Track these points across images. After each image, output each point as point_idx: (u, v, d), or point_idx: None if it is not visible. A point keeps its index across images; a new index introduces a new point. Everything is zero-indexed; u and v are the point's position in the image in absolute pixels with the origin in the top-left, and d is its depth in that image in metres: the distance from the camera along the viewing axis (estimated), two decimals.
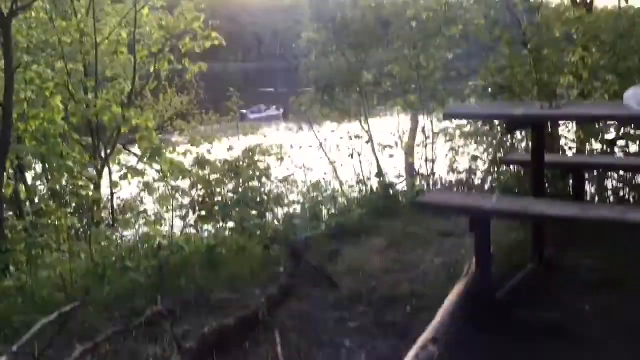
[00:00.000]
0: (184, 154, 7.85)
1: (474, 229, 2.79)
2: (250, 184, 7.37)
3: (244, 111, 33.81)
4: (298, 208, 7.93)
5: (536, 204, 2.71)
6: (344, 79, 6.66)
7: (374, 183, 6.86)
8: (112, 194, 8.63)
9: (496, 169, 5.32)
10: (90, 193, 6.77)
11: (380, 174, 6.30)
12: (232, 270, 3.54)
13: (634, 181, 4.41)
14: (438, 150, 6.66)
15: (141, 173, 7.47)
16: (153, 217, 6.60)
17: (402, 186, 7.07)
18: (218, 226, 6.92)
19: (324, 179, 7.87)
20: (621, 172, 4.32)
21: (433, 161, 6.52)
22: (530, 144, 3.58)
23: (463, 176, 5.57)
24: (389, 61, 6.64)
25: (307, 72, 7.48)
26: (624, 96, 2.87)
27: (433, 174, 6.11)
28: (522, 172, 4.43)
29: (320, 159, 8.01)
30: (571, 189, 3.92)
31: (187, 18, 9.29)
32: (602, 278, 3.15)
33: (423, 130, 6.68)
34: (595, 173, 4.21)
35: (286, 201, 8.09)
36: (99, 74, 8.68)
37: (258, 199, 6.79)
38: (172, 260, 3.53)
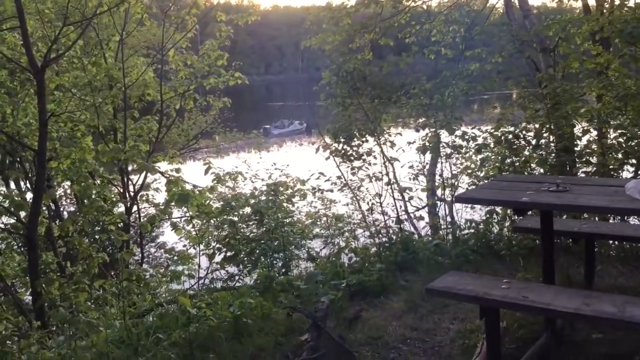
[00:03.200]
0: (211, 189, 8.11)
1: (483, 316, 2.95)
2: (275, 222, 7.63)
3: (267, 126, 34.24)
4: (321, 248, 8.17)
5: (543, 294, 2.85)
6: (362, 130, 6.86)
7: (394, 224, 7.06)
8: (140, 234, 8.97)
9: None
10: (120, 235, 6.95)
11: (399, 221, 6.47)
12: (257, 341, 3.73)
13: None
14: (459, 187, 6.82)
15: (167, 212, 7.70)
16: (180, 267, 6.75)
17: (423, 230, 7.23)
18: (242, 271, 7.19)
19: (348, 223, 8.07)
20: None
21: (453, 201, 6.67)
22: None
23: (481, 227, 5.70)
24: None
25: (325, 125, 7.69)
26: (625, 186, 3.02)
27: (453, 221, 6.25)
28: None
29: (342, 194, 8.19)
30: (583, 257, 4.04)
31: (210, 57, 9.60)
32: (613, 352, 3.28)
33: (441, 175, 6.82)
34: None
35: (310, 236, 8.33)
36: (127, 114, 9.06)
37: (281, 242, 7.02)
38: (200, 333, 3.74)
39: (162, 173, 7.67)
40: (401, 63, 8.29)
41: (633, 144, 5.43)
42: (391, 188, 7.17)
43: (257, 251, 6.95)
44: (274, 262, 6.83)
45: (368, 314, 4.21)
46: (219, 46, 9.60)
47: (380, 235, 6.33)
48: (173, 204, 7.44)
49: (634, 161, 5.47)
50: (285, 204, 7.99)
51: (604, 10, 7.00)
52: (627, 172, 5.56)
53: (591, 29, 6.67)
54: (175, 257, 8.00)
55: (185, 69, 9.42)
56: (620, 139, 5.60)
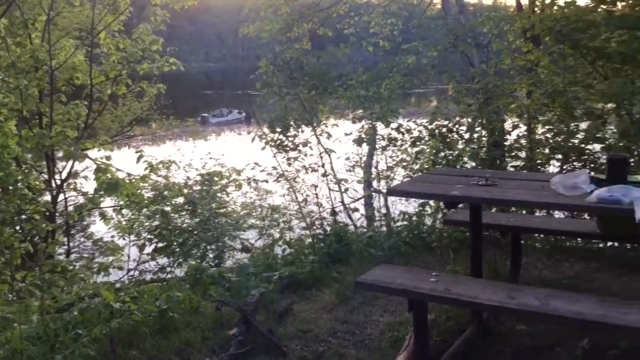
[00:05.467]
0: (142, 178, 7.85)
1: (412, 309, 2.95)
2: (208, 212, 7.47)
3: (205, 115, 33.58)
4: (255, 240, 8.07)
5: (470, 288, 2.88)
6: (299, 120, 6.81)
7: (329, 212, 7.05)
8: (67, 224, 8.59)
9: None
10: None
11: (334, 212, 6.46)
12: (183, 336, 3.62)
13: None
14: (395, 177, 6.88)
15: (97, 201, 7.39)
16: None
17: (359, 221, 7.25)
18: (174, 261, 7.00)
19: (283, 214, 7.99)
20: None
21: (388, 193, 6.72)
22: None
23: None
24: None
25: (261, 114, 7.60)
26: (550, 181, 3.08)
27: (388, 213, 6.29)
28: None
29: (279, 185, 8.11)
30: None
31: (144, 41, 9.28)
32: (536, 344, 3.36)
33: (377, 167, 6.86)
34: None
35: (245, 227, 8.20)
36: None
37: (214, 233, 6.88)
38: (123, 328, 3.59)
39: (92, 160, 7.36)
40: (339, 54, 8.27)
41: (559, 139, 5.58)
42: (327, 179, 7.16)
43: (190, 242, 6.79)
44: (207, 253, 6.70)
45: (299, 307, 4.17)
46: (153, 30, 9.31)
47: (315, 227, 6.30)
48: (102, 192, 7.15)
49: (559, 156, 5.63)
50: (219, 194, 7.85)
51: (536, 9, 7.18)
52: (553, 167, 5.72)
53: (523, 26, 6.82)
54: (103, 248, 7.72)
55: (117, 52, 9.07)
56: (548, 135, 5.77)
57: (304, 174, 7.28)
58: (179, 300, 3.95)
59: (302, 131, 7.21)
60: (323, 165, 7.13)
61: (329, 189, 7.19)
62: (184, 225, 7.29)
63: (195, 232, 6.94)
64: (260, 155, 7.74)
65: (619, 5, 5.22)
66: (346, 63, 8.39)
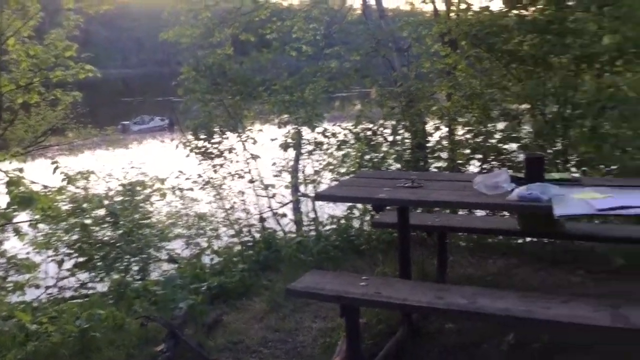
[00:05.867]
0: (59, 191, 7.47)
1: (344, 315, 2.94)
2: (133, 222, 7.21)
3: (126, 122, 32.52)
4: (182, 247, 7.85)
5: (400, 290, 2.90)
6: (223, 127, 6.70)
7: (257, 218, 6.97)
8: None
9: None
10: None
11: (262, 218, 6.39)
12: (106, 355, 3.46)
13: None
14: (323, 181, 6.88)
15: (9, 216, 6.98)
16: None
17: (287, 226, 7.20)
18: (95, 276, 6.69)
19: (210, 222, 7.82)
20: None
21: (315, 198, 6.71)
22: None
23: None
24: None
25: (184, 121, 7.43)
26: (473, 181, 3.16)
27: (316, 217, 6.28)
28: None
29: (205, 193, 7.94)
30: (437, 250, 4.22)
31: (57, 47, 8.87)
32: (464, 341, 3.43)
33: (304, 171, 6.85)
34: None
35: (170, 237, 7.97)
36: None
37: (138, 245, 6.64)
38: (40, 351, 3.39)
39: (4, 172, 6.93)
40: (262, 59, 8.22)
41: (479, 140, 5.76)
42: (254, 185, 7.09)
43: (112, 255, 6.52)
44: (131, 266, 6.45)
45: (229, 318, 4.08)
46: (67, 36, 8.90)
47: (243, 234, 6.20)
48: (15, 207, 6.74)
49: (479, 156, 5.81)
50: (143, 205, 7.59)
51: (452, 14, 7.40)
52: (474, 167, 5.89)
53: (440, 31, 7.01)
54: (18, 266, 7.29)
55: (28, 59, 8.60)
56: (467, 135, 5.94)
57: (231, 181, 7.17)
58: (102, 318, 3.78)
59: (227, 137, 7.10)
60: (249, 172, 7.05)
61: (257, 195, 7.12)
62: (106, 238, 7.00)
63: (118, 244, 6.68)
64: (185, 163, 7.56)
65: (530, 10, 5.43)
66: (270, 68, 8.35)
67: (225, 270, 4.86)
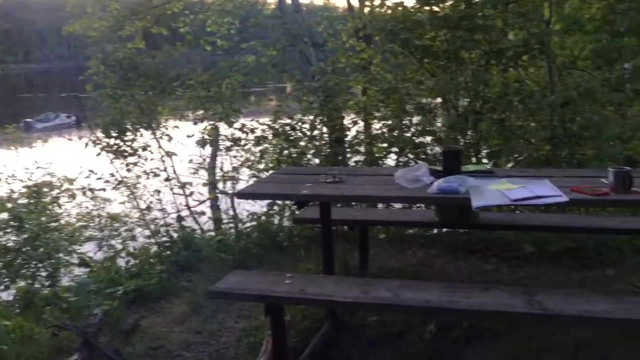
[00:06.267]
0: None
1: (269, 314, 2.89)
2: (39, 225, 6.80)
3: (29, 120, 30.76)
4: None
5: (325, 286, 2.89)
6: (136, 124, 6.45)
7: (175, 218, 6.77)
8: None
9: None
10: None
11: (180, 218, 6.21)
12: None
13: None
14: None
15: None
16: None
17: (206, 224, 7.04)
18: None
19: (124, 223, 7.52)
20: None
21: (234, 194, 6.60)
22: None
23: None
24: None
25: (94, 118, 7.09)
26: (394, 175, 3.19)
27: (236, 214, 6.18)
28: None
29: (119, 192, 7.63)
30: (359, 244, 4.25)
31: None
32: (388, 332, 3.47)
33: (222, 168, 6.73)
34: None
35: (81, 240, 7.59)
36: None
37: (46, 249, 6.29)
38: None
39: None
40: (175, 53, 7.98)
41: (395, 133, 5.87)
42: (170, 184, 6.88)
43: (17, 262, 6.12)
44: (39, 272, 6.08)
45: (148, 322, 3.92)
46: None
47: (160, 234, 6.00)
48: None
49: (396, 149, 5.92)
50: (50, 207, 7.18)
51: (366, 9, 7.48)
52: (391, 160, 6.00)
53: (355, 26, 7.08)
54: None
55: None
56: (384, 129, 6.04)
57: (146, 180, 6.92)
58: (7, 329, 3.53)
59: (141, 135, 6.84)
60: (165, 170, 6.83)
61: (173, 194, 6.91)
62: (10, 243, 6.56)
63: (24, 249, 6.28)
64: (95, 162, 7.22)
65: (442, 6, 5.57)
66: (184, 62, 8.12)
67: (142, 272, 4.67)
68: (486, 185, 2.91)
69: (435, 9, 5.62)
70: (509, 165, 5.66)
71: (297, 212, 4.28)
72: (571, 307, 2.51)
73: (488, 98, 5.56)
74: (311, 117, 6.31)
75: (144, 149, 6.89)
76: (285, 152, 6.09)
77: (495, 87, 5.58)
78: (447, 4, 5.60)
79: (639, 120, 6.03)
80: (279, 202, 5.66)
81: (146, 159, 6.92)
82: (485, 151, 5.78)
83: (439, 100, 5.96)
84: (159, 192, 6.86)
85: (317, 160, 6.07)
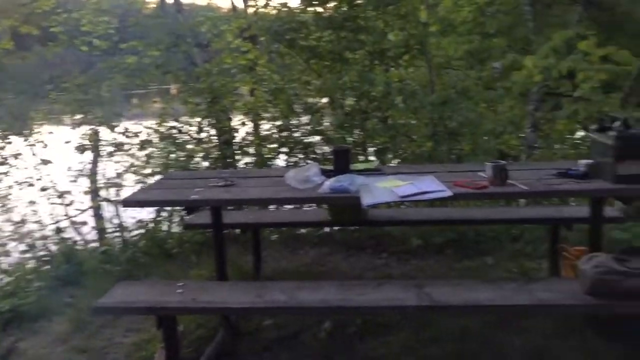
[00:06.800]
0: None
1: (161, 327, 2.77)
2: None
3: None
4: None
5: (218, 293, 2.81)
6: (7, 130, 5.96)
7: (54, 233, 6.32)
8: None
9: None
10: None
11: (59, 229, 5.82)
12: None
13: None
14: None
15: None
16: None
17: (89, 235, 6.64)
18: None
19: None
20: None
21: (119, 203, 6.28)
22: None
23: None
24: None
25: None
26: (285, 176, 3.18)
27: (121, 223, 5.88)
28: None
29: None
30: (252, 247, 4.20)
31: None
32: (283, 335, 3.45)
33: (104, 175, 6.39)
34: None
35: None
36: None
37: None
38: None
39: None
40: (47, 54, 7.46)
41: (284, 134, 5.87)
42: (47, 193, 6.42)
43: None
44: None
45: (26, 344, 3.63)
46: None
47: (37, 248, 5.58)
48: None
49: (286, 150, 5.92)
50: None
51: (251, 9, 7.43)
52: (281, 161, 5.99)
53: (240, 26, 7.00)
54: None
55: None
56: (273, 130, 6.02)
57: (19, 190, 6.41)
58: None
59: (11, 142, 6.34)
60: (41, 179, 6.37)
61: (51, 204, 6.45)
62: None
63: None
64: None
65: (326, 7, 5.66)
66: (58, 64, 7.62)
67: (17, 290, 4.32)
68: (375, 183, 2.97)
69: (320, 10, 5.69)
70: (395, 162, 5.86)
71: (187, 218, 4.14)
72: (457, 297, 2.63)
73: (373, 97, 5.71)
74: (198, 119, 6.15)
75: (16, 157, 6.38)
76: (173, 155, 5.89)
77: (379, 87, 5.75)
78: (330, 5, 5.69)
79: (509, 116, 6.48)
80: (168, 207, 5.46)
81: (18, 168, 6.41)
82: (372, 149, 5.94)
83: (326, 100, 6.04)
84: (34, 203, 6.37)
85: (206, 164, 5.93)
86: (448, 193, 2.79)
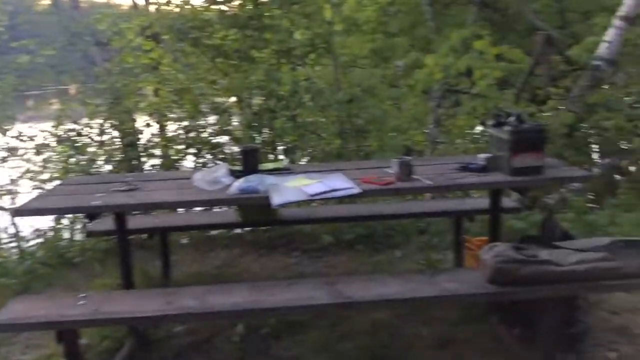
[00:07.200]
0: None
1: (61, 341, 2.63)
2: None
3: None
4: None
5: (124, 302, 2.70)
6: None
7: None
8: None
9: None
10: None
11: None
12: None
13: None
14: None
15: None
16: None
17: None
18: None
19: None
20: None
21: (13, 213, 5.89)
22: None
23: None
24: None
25: None
26: (192, 178, 3.10)
27: (17, 232, 5.52)
28: None
29: None
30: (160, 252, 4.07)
31: None
32: (195, 340, 3.37)
33: None
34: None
35: None
36: None
37: None
38: None
39: None
40: None
41: (192, 135, 5.74)
42: None
43: None
44: None
45: None
46: None
47: None
48: None
49: (194, 151, 5.79)
50: None
51: (153, 7, 7.21)
52: (190, 162, 5.85)
53: (141, 24, 6.77)
54: None
55: None
56: (180, 131, 5.87)
57: None
58: None
59: None
60: None
61: None
62: None
63: None
64: None
65: (230, 5, 5.59)
66: None
67: None
68: (284, 182, 2.97)
69: (224, 8, 5.61)
70: (304, 160, 5.88)
71: (89, 224, 3.95)
72: (368, 293, 2.67)
73: (281, 96, 5.70)
74: (100, 121, 5.88)
75: None
76: (73, 160, 5.60)
77: (286, 85, 5.75)
78: (235, 3, 5.62)
79: (413, 113, 6.69)
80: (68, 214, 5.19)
81: None
82: (281, 147, 5.93)
83: (234, 99, 5.96)
84: None
85: (109, 167, 5.68)
86: (356, 190, 2.83)
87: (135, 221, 4.04)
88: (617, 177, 6.36)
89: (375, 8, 7.73)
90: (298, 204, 4.07)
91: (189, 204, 3.34)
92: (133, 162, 5.74)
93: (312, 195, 2.82)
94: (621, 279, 2.67)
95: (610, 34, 6.42)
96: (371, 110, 5.78)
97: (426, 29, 7.79)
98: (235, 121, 5.88)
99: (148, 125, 6.09)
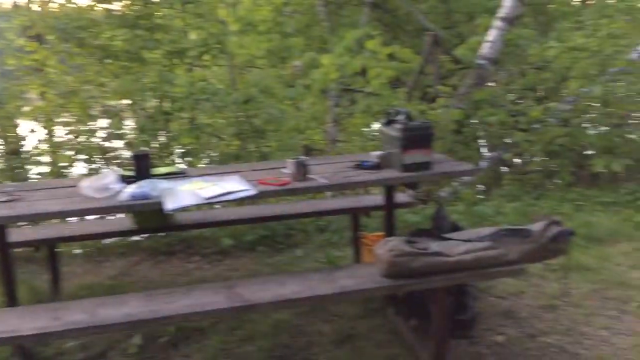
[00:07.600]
0: None
1: None
2: None
3: None
4: None
5: (7, 320, 2.52)
6: None
7: None
8: None
9: None
10: None
11: None
12: None
13: None
14: None
15: None
16: None
17: None
18: None
19: None
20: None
21: None
22: None
23: None
24: None
25: None
26: (79, 186, 2.95)
27: None
28: None
29: None
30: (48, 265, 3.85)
31: None
32: (89, 355, 3.22)
33: None
34: None
35: None
36: None
37: None
38: None
39: None
40: None
41: (82, 140, 5.48)
42: None
43: None
44: None
45: None
46: None
47: None
48: None
49: (84, 157, 5.53)
50: None
51: (35, 6, 6.78)
52: (82, 168, 5.59)
53: (22, 23, 6.38)
54: None
55: None
56: (70, 136, 5.59)
57: None
58: None
59: None
60: None
61: None
62: None
63: None
64: None
65: (118, 4, 5.38)
66: None
67: None
68: (179, 187, 2.89)
69: (111, 7, 5.40)
70: (204, 162, 5.78)
71: None
72: (267, 294, 2.66)
73: (176, 98, 5.57)
74: None
75: None
76: None
77: (181, 87, 5.62)
78: (123, 2, 5.43)
79: (311, 112, 6.76)
80: None
81: None
82: (180, 151, 5.80)
83: (126, 102, 5.76)
84: None
85: None
86: (252, 192, 2.81)
87: (20, 233, 3.80)
88: (503, 169, 6.77)
89: (270, 8, 7.72)
90: (198, 207, 4.01)
91: (76, 213, 3.16)
92: (17, 171, 5.40)
93: (208, 199, 2.77)
94: (505, 265, 2.83)
95: (492, 34, 6.81)
96: (269, 110, 5.78)
97: (321, 29, 7.89)
98: (128, 125, 5.68)
99: (33, 130, 5.76)
